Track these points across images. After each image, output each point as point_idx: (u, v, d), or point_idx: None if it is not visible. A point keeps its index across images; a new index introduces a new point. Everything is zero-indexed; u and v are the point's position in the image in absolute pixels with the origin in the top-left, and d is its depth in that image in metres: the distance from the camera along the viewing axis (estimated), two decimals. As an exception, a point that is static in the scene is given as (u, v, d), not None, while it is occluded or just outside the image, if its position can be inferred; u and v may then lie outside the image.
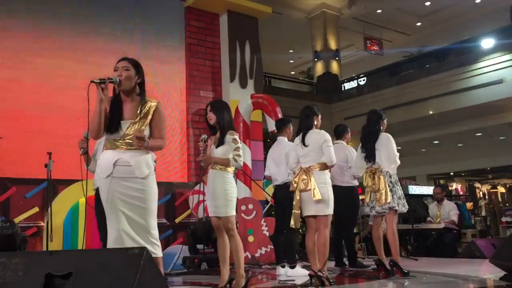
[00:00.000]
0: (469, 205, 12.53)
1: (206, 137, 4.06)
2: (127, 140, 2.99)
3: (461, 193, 19.86)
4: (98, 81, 2.90)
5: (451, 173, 22.07)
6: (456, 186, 21.60)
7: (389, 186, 4.63)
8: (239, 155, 3.92)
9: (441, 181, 21.73)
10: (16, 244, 4.87)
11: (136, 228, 2.92)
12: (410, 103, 14.81)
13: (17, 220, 5.35)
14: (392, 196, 4.61)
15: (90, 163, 4.58)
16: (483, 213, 12.19)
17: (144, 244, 2.86)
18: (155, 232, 3.00)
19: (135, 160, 2.97)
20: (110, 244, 2.92)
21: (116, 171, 2.95)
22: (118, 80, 2.98)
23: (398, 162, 4.78)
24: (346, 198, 5.55)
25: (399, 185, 4.78)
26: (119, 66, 3.04)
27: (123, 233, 2.88)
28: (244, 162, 4.91)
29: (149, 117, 3.06)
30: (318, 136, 4.34)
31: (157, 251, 2.96)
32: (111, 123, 2.97)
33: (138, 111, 3.03)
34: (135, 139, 2.93)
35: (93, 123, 2.95)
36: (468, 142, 17.79)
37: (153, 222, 3.00)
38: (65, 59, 6.41)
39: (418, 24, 19.92)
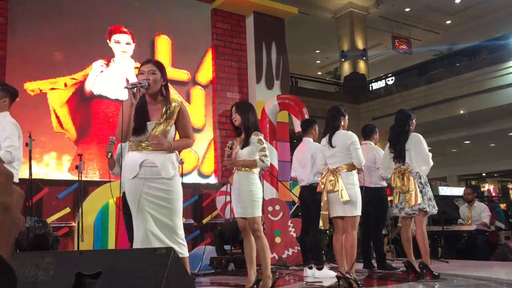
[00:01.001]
0: (502, 206, 12.21)
1: (232, 143, 4.06)
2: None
3: (493, 194, 19.38)
4: (130, 86, 2.95)
5: (483, 174, 21.56)
6: (488, 187, 21.10)
7: (418, 187, 4.54)
8: (265, 155, 3.92)
9: (473, 182, 21.25)
10: (49, 243, 4.99)
11: (162, 229, 2.95)
12: (439, 103, 14.55)
13: (49, 220, 5.49)
14: (422, 197, 4.53)
15: (114, 167, 4.65)
16: (517, 215, 11.85)
17: (171, 244, 2.89)
18: (181, 232, 3.03)
19: (161, 160, 2.99)
20: (137, 244, 2.95)
21: (142, 172, 2.98)
22: (147, 84, 3.00)
23: (431, 163, 4.68)
24: (374, 199, 5.48)
25: (429, 186, 4.68)
26: (145, 69, 3.05)
27: (150, 234, 2.91)
28: (270, 163, 4.91)
29: (174, 117, 3.09)
30: (345, 137, 4.30)
31: (183, 251, 2.99)
32: (138, 125, 3.00)
33: (163, 112, 3.06)
34: (152, 141, 2.95)
35: (125, 127, 2.96)
36: (500, 142, 17.35)
37: (179, 222, 3.03)
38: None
39: (448, 22, 19.53)
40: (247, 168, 3.94)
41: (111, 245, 5.76)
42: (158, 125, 3.04)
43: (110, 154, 4.60)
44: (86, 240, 5.45)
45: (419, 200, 4.49)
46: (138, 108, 3.02)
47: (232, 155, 4.05)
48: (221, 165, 7.30)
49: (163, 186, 2.97)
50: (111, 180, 4.81)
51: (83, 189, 5.54)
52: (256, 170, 3.98)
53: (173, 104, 3.11)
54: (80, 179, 5.34)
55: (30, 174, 4.75)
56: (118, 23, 6.85)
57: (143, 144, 3.02)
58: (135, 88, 2.93)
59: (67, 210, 5.78)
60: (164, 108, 3.07)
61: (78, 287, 1.90)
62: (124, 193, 4.39)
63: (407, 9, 18.36)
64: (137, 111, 3.00)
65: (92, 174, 6.25)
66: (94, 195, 5.87)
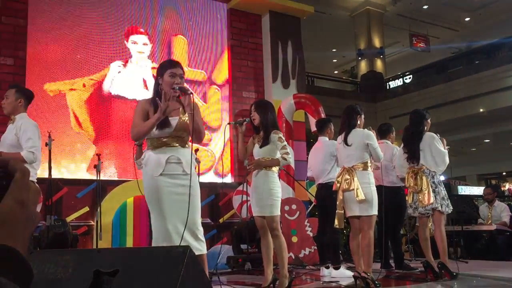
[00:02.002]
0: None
1: (244, 120, 4.07)
2: (178, 136, 3.07)
3: (514, 193, 19.04)
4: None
5: (503, 173, 21.21)
6: (509, 187, 20.74)
7: (431, 186, 4.51)
8: (287, 153, 3.91)
9: (493, 181, 20.91)
10: (68, 242, 5.06)
11: (184, 225, 2.97)
12: (458, 101, 14.36)
13: (69, 219, 5.57)
14: (435, 196, 4.50)
15: (140, 157, 4.53)
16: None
17: (192, 240, 2.92)
18: (201, 229, 3.05)
19: (185, 157, 3.04)
20: (158, 242, 2.95)
21: (167, 168, 3.00)
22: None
23: (447, 161, 4.64)
24: (392, 198, 5.44)
25: (443, 185, 4.64)
26: (176, 73, 3.07)
27: (172, 231, 2.92)
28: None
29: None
30: (362, 134, 4.28)
31: (203, 248, 3.01)
32: (162, 121, 3.01)
33: (181, 108, 3.11)
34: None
35: (147, 132, 3.02)
36: (521, 141, 17.07)
37: (199, 219, 3.06)
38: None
39: (467, 19, 19.25)
40: (267, 167, 3.95)
41: (129, 243, 5.82)
42: (180, 119, 3.08)
43: (138, 141, 4.42)
44: (105, 239, 5.52)
45: (432, 200, 4.46)
46: (158, 105, 3.05)
47: (244, 145, 4.07)
48: (237, 164, 7.32)
49: (186, 183, 2.98)
50: (132, 179, 4.82)
51: (102, 188, 5.60)
52: (276, 169, 3.98)
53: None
54: (98, 178, 5.40)
55: (50, 173, 4.82)
56: (135, 24, 6.92)
57: (167, 140, 3.05)
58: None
59: (86, 209, 5.85)
60: (181, 104, 3.12)
61: (96, 284, 1.92)
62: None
63: (425, 7, 18.15)
64: (156, 107, 3.02)
65: (110, 173, 6.32)
66: (113, 194, 5.93)
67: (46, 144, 4.59)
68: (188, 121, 3.09)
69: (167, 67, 3.11)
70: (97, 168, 5.39)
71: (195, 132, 3.00)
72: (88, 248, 5.69)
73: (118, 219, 5.87)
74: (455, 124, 14.57)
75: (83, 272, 1.96)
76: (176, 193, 2.98)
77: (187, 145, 3.11)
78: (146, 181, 3.07)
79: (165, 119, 3.01)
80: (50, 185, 4.95)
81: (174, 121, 3.06)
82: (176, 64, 3.14)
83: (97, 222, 5.46)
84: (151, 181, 3.03)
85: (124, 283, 1.90)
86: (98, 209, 5.47)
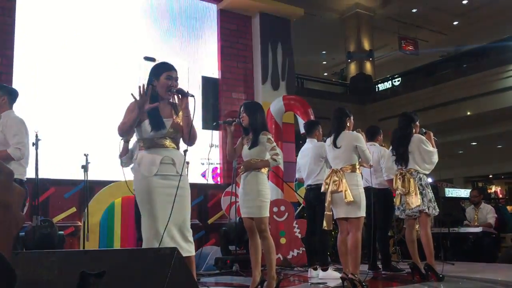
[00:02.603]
0: (509, 208, 12.13)
1: (233, 121, 4.07)
2: (171, 137, 3.09)
3: (500, 196, 19.25)
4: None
5: (490, 176, 21.42)
6: (495, 189, 20.96)
7: (419, 189, 4.56)
8: (277, 154, 3.92)
9: (480, 184, 21.12)
10: (54, 243, 5.02)
11: (175, 226, 2.97)
12: (446, 104, 14.49)
13: (55, 219, 5.52)
14: (422, 199, 4.54)
15: (126, 155, 4.49)
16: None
17: (182, 242, 2.94)
18: (191, 230, 3.08)
19: (178, 158, 3.07)
20: (150, 243, 2.94)
21: (160, 169, 3.01)
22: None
23: (435, 161, 4.68)
24: (380, 200, 5.47)
25: (430, 188, 4.69)
26: (172, 75, 3.12)
27: (164, 232, 2.91)
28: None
29: (180, 113, 3.17)
30: (351, 137, 4.31)
31: (192, 249, 3.04)
32: (157, 121, 3.04)
33: (175, 111, 3.15)
34: (179, 95, 3.05)
35: (129, 127, 3.03)
36: (507, 144, 17.22)
37: (189, 220, 3.08)
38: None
39: (455, 23, 19.43)
40: (256, 168, 3.95)
41: (117, 244, 5.78)
42: (174, 121, 3.11)
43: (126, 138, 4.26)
44: (92, 240, 5.47)
45: (419, 202, 4.51)
46: (152, 106, 3.06)
47: (231, 143, 4.07)
48: (226, 165, 7.31)
49: (177, 183, 3.00)
50: (119, 180, 4.79)
51: (89, 188, 5.56)
52: (265, 170, 3.99)
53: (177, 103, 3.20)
54: (86, 178, 5.36)
55: (37, 173, 4.78)
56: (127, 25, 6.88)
57: (162, 141, 3.07)
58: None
59: (73, 209, 5.81)
60: (172, 106, 3.17)
61: (82, 286, 1.91)
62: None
63: (414, 10, 18.30)
64: (151, 108, 3.04)
65: (98, 173, 6.25)
66: (100, 194, 5.89)
67: (33, 144, 4.54)
68: (181, 123, 3.12)
69: (162, 70, 3.13)
70: (85, 168, 5.34)
71: (190, 134, 3.06)
72: (74, 249, 5.64)
73: (105, 220, 5.83)
74: (443, 126, 14.68)
75: (69, 274, 1.94)
76: (169, 194, 2.98)
77: (179, 146, 3.14)
78: (138, 181, 3.07)
79: (160, 120, 3.04)
80: (37, 185, 4.90)
81: (168, 122, 3.08)
82: (172, 67, 3.17)
83: (84, 222, 5.41)
84: (143, 181, 3.03)
85: (110, 285, 1.88)
86: (86, 210, 5.43)
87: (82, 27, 6.55)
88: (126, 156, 4.44)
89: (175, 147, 3.11)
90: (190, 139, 3.09)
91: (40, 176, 4.94)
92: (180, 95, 3.08)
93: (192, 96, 3.07)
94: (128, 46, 6.87)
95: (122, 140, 4.31)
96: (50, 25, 6.31)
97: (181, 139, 3.19)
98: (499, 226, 7.54)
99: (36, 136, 4.71)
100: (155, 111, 3.05)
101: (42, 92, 6.12)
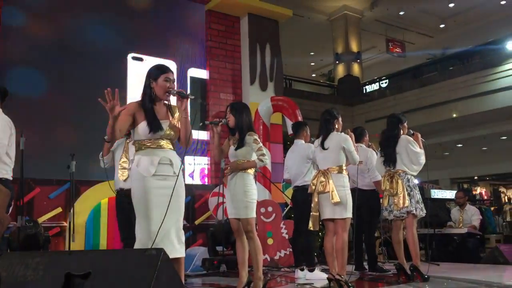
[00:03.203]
0: (493, 209, 12.29)
1: (220, 121, 4.06)
2: (169, 139, 3.13)
3: (485, 197, 19.49)
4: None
5: (475, 177, 21.67)
6: (480, 191, 21.21)
7: (407, 190, 4.59)
8: (263, 155, 3.92)
9: (465, 185, 21.36)
10: (39, 244, 4.96)
11: (170, 227, 3.00)
12: (433, 106, 14.62)
13: (40, 220, 5.46)
14: (410, 200, 4.58)
15: (107, 155, 4.42)
16: (508, 218, 11.95)
17: (176, 243, 3.00)
18: (183, 230, 3.13)
19: (174, 158, 3.12)
20: (142, 242, 2.95)
21: (158, 169, 3.04)
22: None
23: (422, 162, 4.72)
24: (367, 201, 5.50)
25: (417, 189, 4.73)
26: (170, 78, 3.15)
27: (159, 232, 2.92)
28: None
29: (176, 115, 3.20)
30: (339, 138, 4.33)
31: (183, 250, 3.09)
32: (154, 123, 3.06)
33: (170, 113, 3.19)
34: (180, 96, 3.09)
35: (110, 132, 3.00)
36: (492, 146, 17.46)
37: (182, 221, 3.13)
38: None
39: (442, 26, 19.65)
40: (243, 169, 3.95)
41: (103, 245, 5.74)
42: (171, 123, 3.15)
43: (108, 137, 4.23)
44: (78, 241, 5.43)
45: (407, 203, 4.54)
46: (150, 108, 3.11)
47: (215, 140, 4.07)
48: (214, 166, 7.30)
49: (173, 184, 3.03)
50: (105, 180, 4.74)
51: (75, 189, 5.52)
52: (252, 171, 3.99)
53: (174, 104, 3.24)
54: (72, 178, 5.31)
55: (22, 173, 4.73)
56: (111, 24, 6.84)
57: (159, 142, 3.09)
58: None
59: (59, 210, 5.75)
60: (168, 108, 3.20)
61: (67, 287, 1.90)
62: (118, 193, 4.37)
63: (401, 13, 18.46)
64: (149, 111, 3.09)
65: (84, 173, 6.21)
66: (86, 195, 5.85)
67: (19, 144, 4.49)
68: (177, 124, 3.16)
69: (160, 72, 3.15)
70: (71, 168, 5.30)
71: (187, 136, 3.12)
72: (60, 250, 5.59)
73: (91, 221, 5.79)
74: (429, 128, 14.82)
75: (54, 275, 1.93)
76: (166, 194, 3.00)
77: (175, 147, 3.18)
78: (136, 181, 3.07)
79: (157, 122, 3.07)
80: (22, 185, 4.85)
81: (165, 124, 3.11)
82: (169, 69, 3.21)
83: (70, 223, 5.37)
84: (141, 181, 3.04)
85: (96, 286, 1.88)
86: (71, 210, 5.38)
87: (66, 23, 6.49)
88: (108, 156, 4.41)
89: (172, 148, 3.14)
90: (188, 141, 3.14)
91: (25, 176, 4.90)
92: (180, 97, 3.11)
93: (193, 98, 3.14)
94: (114, 45, 6.83)
95: (104, 140, 4.28)
96: (36, 20, 6.25)
97: (176, 140, 3.22)
98: (483, 228, 7.62)
99: (22, 135, 4.67)
100: (152, 113, 3.08)
101: (28, 90, 6.06)
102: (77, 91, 6.38)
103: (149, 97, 3.13)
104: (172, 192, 2.99)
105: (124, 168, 4.28)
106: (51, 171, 6.02)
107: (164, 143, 3.10)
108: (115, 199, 4.52)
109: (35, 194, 5.65)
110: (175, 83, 3.22)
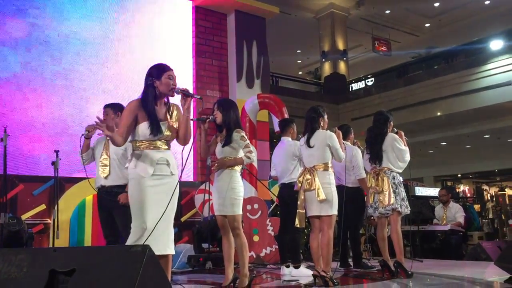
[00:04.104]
0: (476, 207, 12.45)
1: (207, 118, 4.04)
2: (166, 140, 3.15)
3: (468, 195, 19.73)
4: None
5: (459, 175, 21.93)
6: (463, 188, 21.46)
7: (392, 187, 4.63)
8: (250, 152, 3.94)
9: (449, 183, 21.59)
10: (23, 240, 4.92)
11: (164, 225, 3.02)
12: (417, 104, 14.74)
13: (24, 217, 5.40)
14: (395, 197, 4.62)
15: (86, 152, 4.38)
16: (491, 216, 12.12)
17: (169, 241, 3.04)
18: (173, 229, 3.16)
19: (171, 159, 3.14)
20: (138, 240, 2.96)
21: (155, 169, 3.07)
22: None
23: (407, 159, 4.76)
24: (353, 198, 5.53)
25: (403, 186, 4.77)
26: (173, 75, 3.18)
27: (153, 230, 2.94)
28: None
29: (174, 116, 3.22)
30: (324, 136, 4.34)
31: (173, 247, 3.12)
32: (155, 124, 3.08)
33: (169, 113, 3.20)
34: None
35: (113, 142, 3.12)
36: (476, 144, 17.67)
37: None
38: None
39: (427, 25, 19.82)
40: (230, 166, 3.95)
41: (87, 242, 5.70)
42: (169, 125, 3.16)
43: (87, 133, 4.23)
44: (62, 238, 5.39)
45: (392, 200, 4.58)
46: (152, 110, 3.11)
47: (202, 137, 4.07)
48: (200, 163, 7.29)
49: (170, 183, 3.09)
50: (88, 177, 4.70)
51: (59, 185, 5.47)
52: (239, 168, 4.00)
53: (173, 104, 3.26)
54: (56, 175, 5.26)
55: (5, 170, 4.67)
56: (99, 20, 6.78)
57: (157, 143, 3.11)
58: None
59: (43, 206, 5.70)
60: (168, 109, 3.21)
61: (51, 285, 1.88)
62: (99, 190, 4.34)
63: (387, 11, 18.58)
64: (152, 113, 3.10)
65: (68, 170, 6.16)
66: (71, 192, 5.80)
67: (1, 140, 4.44)
68: (175, 125, 3.18)
69: (163, 70, 3.17)
70: (55, 165, 5.24)
71: (187, 135, 3.17)
72: (44, 247, 5.54)
73: (76, 218, 5.74)
74: (414, 126, 14.95)
75: (38, 272, 1.91)
76: (164, 193, 3.04)
77: (170, 147, 3.20)
78: (133, 181, 3.08)
79: (157, 124, 3.09)
80: (5, 181, 4.79)
81: (164, 125, 3.13)
82: (170, 67, 3.23)
83: (54, 220, 5.31)
84: (139, 181, 3.05)
85: (80, 283, 1.86)
86: (56, 207, 5.33)
87: (54, 22, 6.42)
88: (87, 153, 4.38)
89: (168, 148, 3.17)
90: (187, 140, 3.18)
91: (8, 172, 4.84)
92: (185, 96, 3.13)
93: (199, 97, 3.23)
94: (99, 42, 6.77)
95: (83, 136, 4.25)
96: (22, 20, 6.17)
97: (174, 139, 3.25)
98: (468, 224, 7.73)
99: (5, 131, 4.61)
100: (154, 115, 3.10)
101: (11, 86, 5.99)
102: (62, 85, 6.31)
103: (153, 97, 3.14)
104: (173, 193, 3.05)
105: (105, 165, 4.25)
106: (34, 167, 5.96)
107: (160, 143, 3.13)
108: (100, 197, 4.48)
109: (18, 191, 5.58)
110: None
